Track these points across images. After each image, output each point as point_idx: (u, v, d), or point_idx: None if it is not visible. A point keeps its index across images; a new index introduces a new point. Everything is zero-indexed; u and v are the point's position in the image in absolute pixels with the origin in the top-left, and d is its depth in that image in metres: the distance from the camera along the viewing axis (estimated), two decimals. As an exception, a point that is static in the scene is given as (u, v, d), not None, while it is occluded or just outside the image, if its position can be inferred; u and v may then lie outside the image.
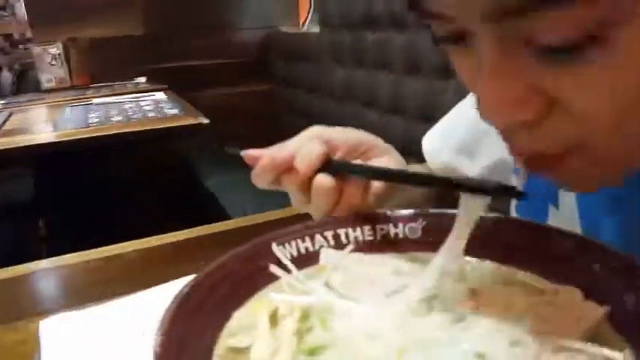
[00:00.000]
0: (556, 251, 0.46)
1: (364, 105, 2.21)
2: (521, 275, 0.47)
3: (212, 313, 0.44)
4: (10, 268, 0.80)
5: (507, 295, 0.44)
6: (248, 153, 0.57)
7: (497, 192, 0.46)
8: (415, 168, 0.80)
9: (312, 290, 0.46)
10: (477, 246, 0.49)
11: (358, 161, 0.58)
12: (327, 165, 0.55)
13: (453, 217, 0.53)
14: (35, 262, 0.83)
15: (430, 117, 1.43)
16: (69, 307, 0.66)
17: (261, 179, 0.57)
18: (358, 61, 2.25)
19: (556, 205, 0.62)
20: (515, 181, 0.68)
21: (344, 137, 0.59)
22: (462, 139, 0.77)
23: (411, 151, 0.81)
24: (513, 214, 0.69)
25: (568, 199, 0.60)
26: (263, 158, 0.55)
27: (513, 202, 0.69)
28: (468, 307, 0.43)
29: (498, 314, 0.41)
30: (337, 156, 0.58)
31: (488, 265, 0.49)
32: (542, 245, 0.47)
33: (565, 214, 0.60)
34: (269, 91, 3.26)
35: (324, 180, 0.54)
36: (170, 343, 0.37)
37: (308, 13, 3.30)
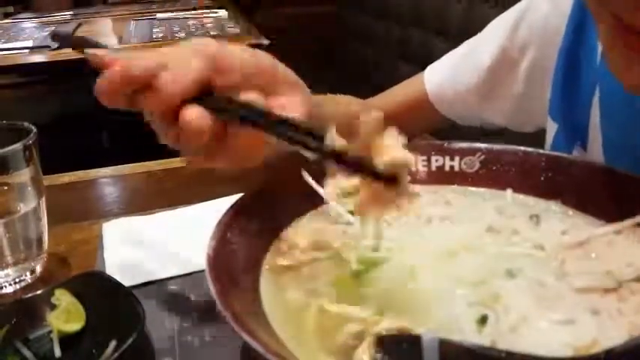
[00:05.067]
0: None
1: (433, 33, 2.11)
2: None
3: (262, 229, 0.45)
4: (76, 172, 0.85)
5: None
6: (94, 53, 0.41)
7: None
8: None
9: (353, 220, 0.47)
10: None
11: (252, 96, 0.41)
12: (206, 95, 0.40)
13: (514, 152, 0.51)
14: (100, 169, 0.87)
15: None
16: (129, 212, 0.69)
17: (106, 94, 0.40)
18: (429, -14, 2.14)
19: (584, 147, 0.60)
20: (550, 124, 0.66)
21: (239, 60, 0.43)
22: (476, 84, 0.73)
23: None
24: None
25: (597, 145, 0.58)
26: (115, 64, 0.39)
27: (549, 140, 0.66)
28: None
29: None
30: (224, 83, 0.42)
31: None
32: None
33: (591, 157, 0.58)
34: (332, 14, 3.17)
35: (195, 114, 0.38)
36: (222, 250, 0.39)
37: None
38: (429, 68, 0.78)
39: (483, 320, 0.35)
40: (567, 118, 0.63)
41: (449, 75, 0.75)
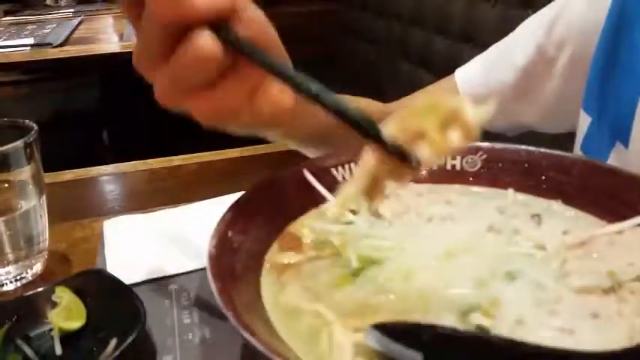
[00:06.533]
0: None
1: (434, 32, 2.11)
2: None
3: (263, 227, 0.45)
4: (77, 170, 0.85)
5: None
6: None
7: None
8: None
9: (354, 219, 0.47)
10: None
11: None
12: (223, 27, 0.35)
13: (516, 151, 0.51)
14: (100, 167, 0.87)
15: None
16: (130, 210, 0.69)
17: None
18: (430, -16, 2.14)
19: (625, 144, 0.59)
20: (583, 117, 0.65)
21: (260, 23, 0.39)
22: (511, 84, 0.72)
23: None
24: (578, 146, 0.67)
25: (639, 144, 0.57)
26: None
27: (582, 134, 0.66)
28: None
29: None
30: (241, 32, 0.36)
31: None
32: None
33: (632, 155, 0.58)
34: (331, 12, 3.17)
35: (205, 41, 0.34)
36: (224, 248, 0.39)
37: None
38: (458, 71, 0.78)
39: (481, 329, 0.35)
40: (605, 112, 0.62)
41: (481, 75, 0.75)
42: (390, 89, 2.22)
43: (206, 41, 0.34)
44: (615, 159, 0.59)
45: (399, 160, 0.36)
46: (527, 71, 0.71)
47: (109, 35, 2.14)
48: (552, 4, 0.71)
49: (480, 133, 0.36)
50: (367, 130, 0.35)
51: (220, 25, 0.35)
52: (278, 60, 0.36)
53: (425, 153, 0.35)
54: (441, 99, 0.35)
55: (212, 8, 0.34)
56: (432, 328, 0.33)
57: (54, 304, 0.47)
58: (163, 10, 0.34)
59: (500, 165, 0.52)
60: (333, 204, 0.48)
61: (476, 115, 0.35)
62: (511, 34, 0.75)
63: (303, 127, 0.53)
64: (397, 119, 0.36)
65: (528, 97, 0.72)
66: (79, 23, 2.26)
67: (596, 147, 0.62)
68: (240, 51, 0.35)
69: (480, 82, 0.75)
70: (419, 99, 0.76)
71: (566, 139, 0.75)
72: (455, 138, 0.35)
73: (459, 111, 0.35)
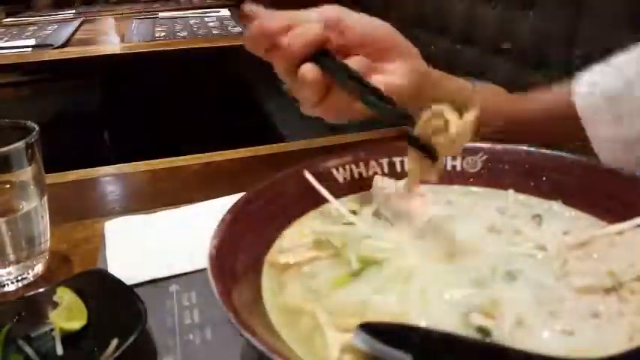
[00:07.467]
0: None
1: (435, 33, 2.11)
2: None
3: (264, 227, 0.46)
4: (78, 171, 0.85)
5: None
6: (247, 8, 0.51)
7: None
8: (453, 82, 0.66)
9: (355, 220, 0.47)
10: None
11: (359, 60, 0.51)
12: (322, 54, 0.50)
13: (516, 152, 0.51)
14: (102, 167, 0.87)
15: (503, 49, 1.36)
16: (131, 211, 0.69)
17: (250, 44, 0.51)
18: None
19: None
20: None
21: (361, 27, 0.53)
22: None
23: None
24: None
25: None
26: (255, 22, 0.50)
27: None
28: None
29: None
30: (342, 42, 0.52)
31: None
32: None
33: None
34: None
35: (308, 70, 0.49)
36: (224, 248, 0.39)
37: None
38: (579, 84, 0.66)
39: (481, 330, 0.35)
40: None
41: (606, 108, 0.63)
42: (391, 90, 2.21)
43: (307, 70, 0.48)
44: None
45: (426, 154, 0.45)
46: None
47: (109, 36, 2.14)
48: None
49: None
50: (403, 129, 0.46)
51: (323, 54, 0.49)
52: (349, 80, 0.49)
53: (438, 147, 0.44)
54: (442, 106, 0.43)
55: (304, 44, 0.48)
56: (421, 330, 0.33)
57: (55, 305, 0.47)
58: (277, 60, 0.50)
59: (500, 166, 0.52)
60: (334, 204, 0.48)
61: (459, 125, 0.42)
62: (631, 55, 0.63)
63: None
64: (420, 122, 0.44)
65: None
66: (80, 24, 2.27)
67: None
68: (330, 74, 0.49)
69: (603, 116, 0.63)
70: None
71: (566, 140, 0.73)
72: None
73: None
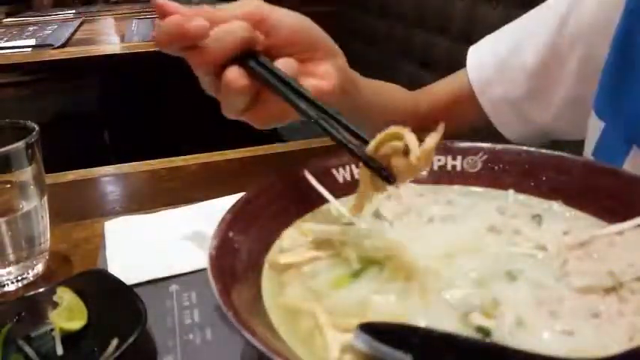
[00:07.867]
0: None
1: (436, 32, 2.11)
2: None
3: (264, 227, 0.45)
4: (78, 170, 0.85)
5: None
6: (159, 2, 0.45)
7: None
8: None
9: (355, 220, 0.47)
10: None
11: (288, 63, 0.47)
12: (248, 55, 0.45)
13: (516, 152, 0.51)
14: (101, 167, 0.87)
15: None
16: (131, 211, 0.70)
17: (162, 43, 0.45)
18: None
19: None
20: (595, 122, 0.63)
21: (287, 26, 0.49)
22: (522, 85, 0.71)
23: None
24: (589, 153, 0.65)
25: None
26: (172, 18, 0.43)
27: (593, 140, 0.63)
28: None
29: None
30: (270, 43, 0.48)
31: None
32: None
33: None
34: (332, 13, 3.17)
35: (235, 77, 0.44)
36: (224, 248, 0.39)
37: None
38: (472, 55, 0.77)
39: (481, 330, 0.35)
40: (619, 116, 0.59)
41: (494, 72, 0.74)
42: (391, 90, 2.21)
43: (234, 77, 0.44)
44: (631, 165, 0.57)
45: (377, 175, 0.42)
46: (538, 71, 0.69)
47: (109, 36, 2.14)
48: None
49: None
50: (352, 151, 0.43)
51: (248, 55, 0.44)
52: (284, 87, 0.45)
53: (396, 170, 0.41)
54: (401, 130, 0.40)
55: (230, 48, 0.43)
56: (421, 330, 0.33)
57: (55, 305, 0.47)
58: (197, 62, 0.45)
59: (500, 165, 0.52)
60: (333, 205, 0.48)
61: (419, 150, 0.39)
62: (521, 21, 0.72)
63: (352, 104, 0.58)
64: (374, 142, 0.42)
65: (540, 97, 0.70)
66: (80, 24, 2.27)
67: (610, 153, 0.60)
68: (261, 80, 0.45)
69: (492, 80, 0.73)
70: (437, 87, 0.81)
71: (566, 141, 0.74)
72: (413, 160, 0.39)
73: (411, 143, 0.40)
